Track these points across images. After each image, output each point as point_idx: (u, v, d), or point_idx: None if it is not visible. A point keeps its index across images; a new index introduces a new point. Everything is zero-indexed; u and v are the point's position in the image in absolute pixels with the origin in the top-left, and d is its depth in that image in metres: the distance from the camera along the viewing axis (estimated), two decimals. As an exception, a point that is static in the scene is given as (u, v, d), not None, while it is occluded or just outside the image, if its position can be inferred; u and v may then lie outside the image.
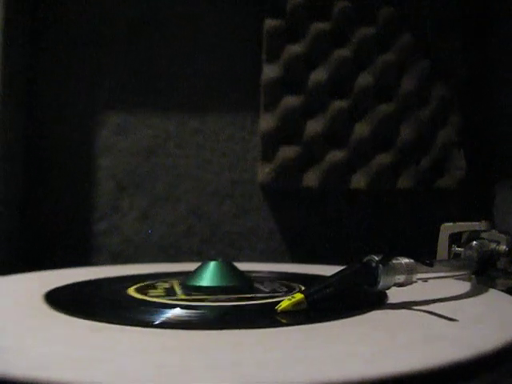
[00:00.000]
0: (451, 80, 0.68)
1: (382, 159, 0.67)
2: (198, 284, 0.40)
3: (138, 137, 0.69)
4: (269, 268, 0.54)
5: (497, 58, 0.68)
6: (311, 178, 0.67)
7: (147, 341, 0.28)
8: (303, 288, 0.39)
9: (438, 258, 0.46)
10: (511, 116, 0.66)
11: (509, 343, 0.26)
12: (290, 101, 0.67)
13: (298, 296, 0.32)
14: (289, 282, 0.44)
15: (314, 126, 0.67)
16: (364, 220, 0.70)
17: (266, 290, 0.40)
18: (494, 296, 0.39)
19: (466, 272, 0.41)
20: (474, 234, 0.44)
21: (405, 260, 0.35)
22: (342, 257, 0.64)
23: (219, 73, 0.70)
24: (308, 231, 0.70)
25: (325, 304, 0.33)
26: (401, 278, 0.34)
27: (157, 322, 0.31)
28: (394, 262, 0.34)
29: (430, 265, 0.36)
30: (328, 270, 0.35)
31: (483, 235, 0.44)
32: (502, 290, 0.41)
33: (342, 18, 0.67)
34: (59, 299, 0.37)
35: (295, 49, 0.67)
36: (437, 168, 0.68)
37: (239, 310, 0.35)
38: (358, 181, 0.67)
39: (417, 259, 0.35)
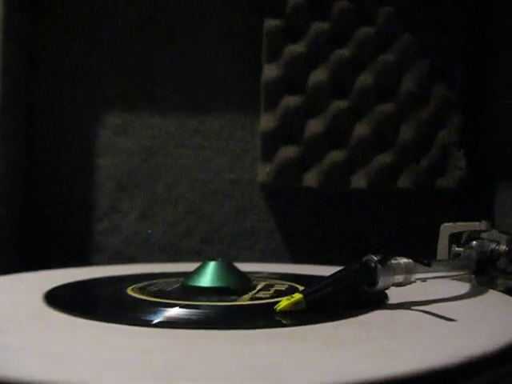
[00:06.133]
0: (451, 80, 0.68)
1: (382, 159, 0.67)
2: (197, 284, 0.40)
3: (137, 137, 0.69)
4: (269, 268, 0.54)
5: (497, 58, 0.68)
6: (311, 178, 0.67)
7: (147, 340, 0.28)
8: (302, 288, 0.39)
9: (438, 258, 0.46)
10: (511, 116, 0.66)
11: (508, 344, 0.26)
12: (290, 101, 0.67)
13: (297, 296, 0.32)
14: (288, 282, 0.44)
15: (313, 126, 0.67)
16: (364, 220, 0.70)
17: (266, 290, 0.40)
18: (493, 296, 0.39)
19: (465, 272, 0.41)
20: (474, 234, 0.44)
21: (403, 260, 0.35)
22: (341, 257, 0.64)
23: (219, 73, 0.70)
24: (308, 231, 0.70)
25: (324, 304, 0.33)
26: (399, 278, 0.34)
27: (156, 322, 0.31)
28: (392, 261, 0.34)
29: (428, 265, 0.36)
30: (328, 270, 0.35)
31: (483, 235, 0.44)
32: (502, 291, 0.41)
33: (342, 18, 0.67)
34: (59, 299, 0.37)
35: (295, 49, 0.67)
36: (437, 168, 0.68)
37: (239, 309, 0.35)
38: (358, 181, 0.67)
39: (415, 259, 0.36)
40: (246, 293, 0.39)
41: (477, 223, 0.45)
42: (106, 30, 0.69)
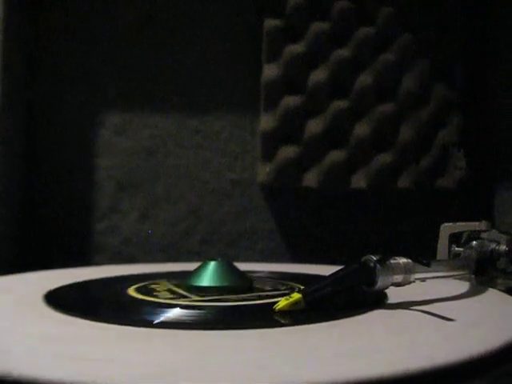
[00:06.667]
0: (451, 80, 0.68)
1: (382, 159, 0.67)
2: (197, 284, 0.40)
3: (138, 137, 0.69)
4: (269, 268, 0.54)
5: (497, 58, 0.68)
6: (311, 178, 0.67)
7: (147, 341, 0.28)
8: (301, 287, 0.39)
9: (438, 258, 0.46)
10: (511, 116, 0.66)
11: (507, 344, 0.26)
12: (290, 101, 0.67)
13: (296, 296, 0.33)
14: (288, 281, 0.44)
15: (313, 126, 0.67)
16: (364, 220, 0.70)
17: (266, 290, 0.40)
18: (493, 296, 0.39)
19: (465, 272, 0.41)
20: (474, 234, 0.44)
21: (402, 260, 0.35)
22: (341, 257, 0.64)
23: (219, 73, 0.70)
24: (308, 231, 0.70)
25: (323, 304, 0.33)
26: (399, 278, 0.34)
27: (156, 322, 0.31)
28: (391, 261, 0.34)
29: (428, 265, 0.36)
30: (328, 270, 0.35)
31: (483, 235, 0.44)
32: (502, 290, 0.41)
33: (342, 18, 0.67)
34: (59, 299, 0.37)
35: (295, 49, 0.67)
36: (437, 168, 0.68)
37: (239, 309, 0.35)
38: (358, 181, 0.67)
39: (415, 259, 0.36)
40: (245, 293, 0.39)
41: (477, 223, 0.45)
42: (106, 30, 0.69)
